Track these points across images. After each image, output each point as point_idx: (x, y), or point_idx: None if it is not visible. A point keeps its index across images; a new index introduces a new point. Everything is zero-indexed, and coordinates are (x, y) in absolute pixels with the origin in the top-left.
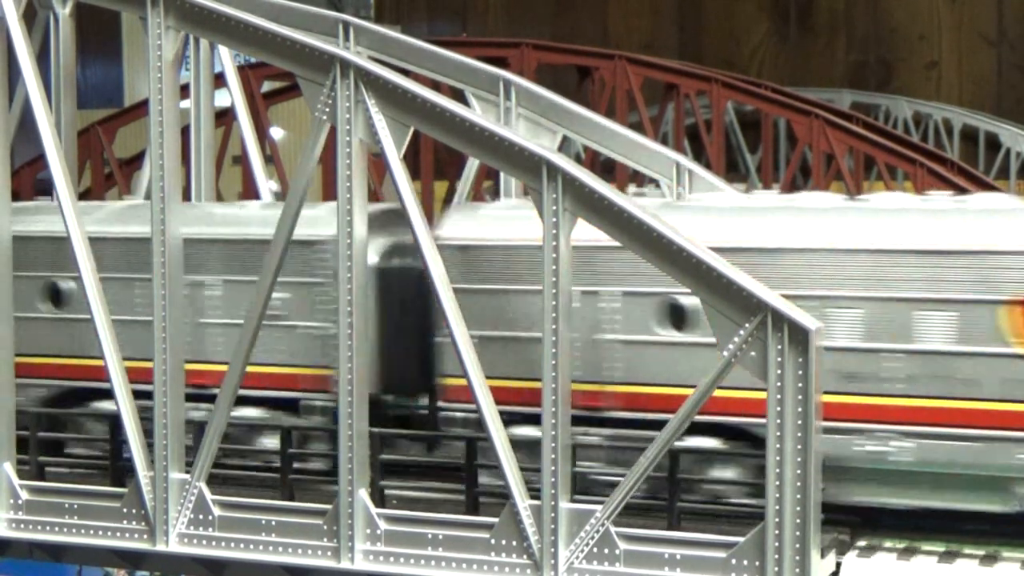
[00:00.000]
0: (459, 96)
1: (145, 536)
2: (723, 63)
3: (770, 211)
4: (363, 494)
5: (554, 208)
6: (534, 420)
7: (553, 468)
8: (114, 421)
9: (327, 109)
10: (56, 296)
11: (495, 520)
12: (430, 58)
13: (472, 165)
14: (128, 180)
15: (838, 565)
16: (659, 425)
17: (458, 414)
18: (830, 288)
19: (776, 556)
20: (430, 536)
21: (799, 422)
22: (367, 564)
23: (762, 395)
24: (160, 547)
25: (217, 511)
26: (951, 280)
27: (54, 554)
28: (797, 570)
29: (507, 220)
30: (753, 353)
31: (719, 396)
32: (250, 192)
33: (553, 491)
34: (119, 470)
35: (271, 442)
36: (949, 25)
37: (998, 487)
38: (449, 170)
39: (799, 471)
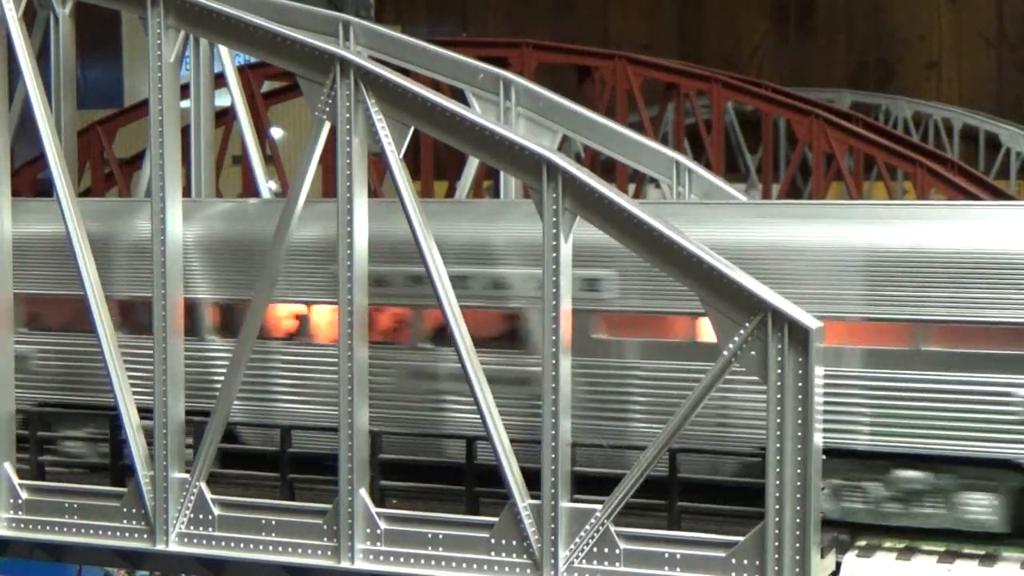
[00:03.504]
0: (459, 96)
1: (145, 536)
2: (723, 63)
3: None
4: (363, 494)
5: (554, 208)
6: None
7: (553, 468)
8: (114, 421)
9: (327, 109)
10: None
11: (495, 520)
12: (430, 58)
13: (472, 165)
14: (128, 180)
15: (838, 565)
16: None
17: None
18: None
19: (776, 556)
20: (430, 536)
21: (799, 422)
22: (367, 564)
23: None
24: (160, 547)
25: (217, 511)
26: None
27: (54, 554)
28: (797, 570)
29: None
30: (753, 353)
31: None
32: (250, 192)
33: (553, 491)
34: (119, 470)
35: None
36: (949, 25)
37: None
38: (449, 170)
39: (799, 471)
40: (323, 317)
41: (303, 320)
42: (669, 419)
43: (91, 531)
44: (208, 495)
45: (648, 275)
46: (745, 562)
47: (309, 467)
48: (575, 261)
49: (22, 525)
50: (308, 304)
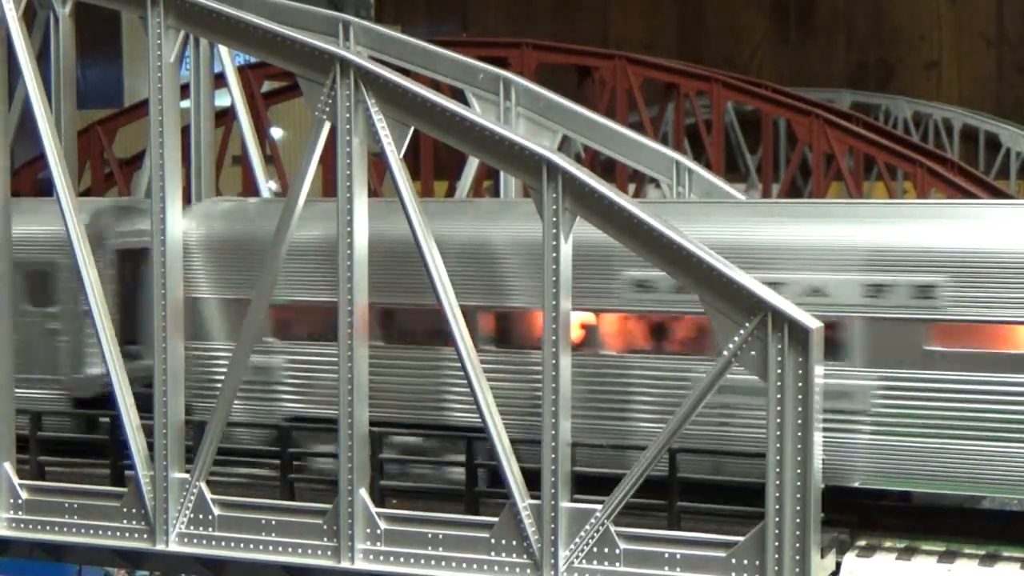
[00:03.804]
0: (459, 96)
1: (145, 536)
2: (723, 63)
3: None
4: (363, 494)
5: (554, 208)
6: None
7: (553, 468)
8: (114, 421)
9: (327, 109)
10: None
11: (495, 520)
12: (430, 58)
13: (472, 165)
14: (128, 180)
15: (838, 565)
16: None
17: None
18: None
19: (776, 556)
20: (430, 536)
21: (799, 422)
22: (367, 564)
23: None
24: (160, 547)
25: (217, 511)
26: None
27: (54, 554)
28: (797, 570)
29: None
30: (753, 352)
31: None
32: (250, 192)
33: (553, 491)
34: (119, 470)
35: None
36: (949, 25)
37: None
38: (449, 170)
39: (799, 471)
40: (613, 326)
41: (591, 331)
42: (670, 419)
43: (91, 531)
44: (208, 495)
45: (989, 280)
46: (745, 562)
47: (590, 486)
48: (902, 266)
49: (22, 525)
50: (597, 313)
